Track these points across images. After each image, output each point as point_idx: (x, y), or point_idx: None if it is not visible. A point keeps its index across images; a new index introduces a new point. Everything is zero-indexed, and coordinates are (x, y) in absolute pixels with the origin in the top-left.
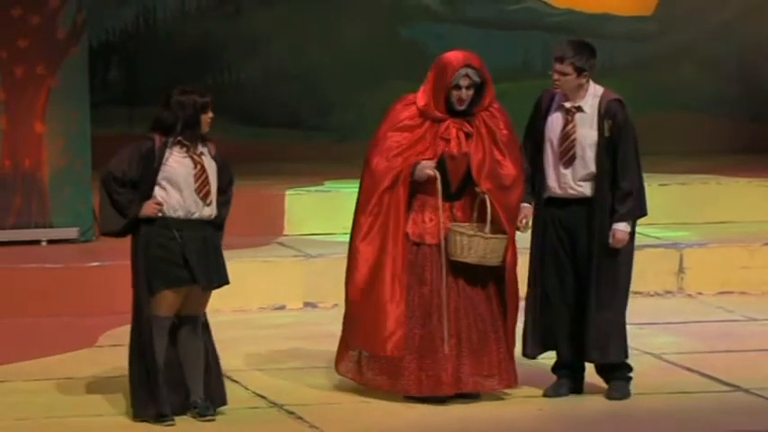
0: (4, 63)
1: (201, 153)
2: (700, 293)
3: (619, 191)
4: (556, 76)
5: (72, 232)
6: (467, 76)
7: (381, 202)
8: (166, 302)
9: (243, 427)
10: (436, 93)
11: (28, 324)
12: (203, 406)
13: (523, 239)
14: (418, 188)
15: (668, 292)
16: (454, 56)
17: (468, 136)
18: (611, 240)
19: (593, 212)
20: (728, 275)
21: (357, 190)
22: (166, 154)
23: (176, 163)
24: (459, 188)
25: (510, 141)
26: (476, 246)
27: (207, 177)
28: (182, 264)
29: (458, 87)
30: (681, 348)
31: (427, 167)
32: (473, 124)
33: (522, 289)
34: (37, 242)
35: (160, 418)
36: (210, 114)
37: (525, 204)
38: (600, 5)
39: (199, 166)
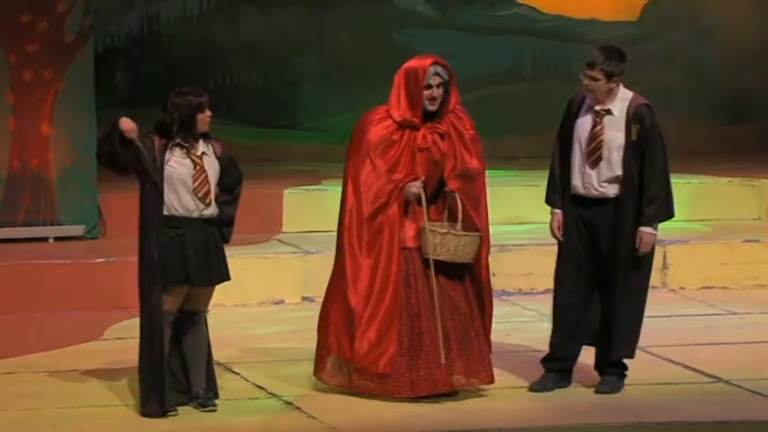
0: (13, 67)
1: (203, 153)
2: (683, 288)
3: (645, 194)
4: (586, 81)
5: (78, 230)
6: (437, 74)
7: (375, 218)
8: (168, 298)
9: (242, 417)
10: (411, 98)
11: (36, 318)
12: (205, 397)
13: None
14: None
15: (653, 287)
16: (422, 58)
17: (442, 137)
18: (638, 243)
19: (618, 214)
20: (710, 271)
21: (340, 197)
22: (167, 155)
23: (176, 164)
24: (435, 191)
25: (474, 139)
26: (447, 243)
27: (206, 177)
28: (180, 263)
29: (429, 87)
30: (665, 341)
31: (413, 186)
32: (444, 125)
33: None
34: (44, 239)
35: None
36: (208, 113)
37: (557, 211)
38: (587, 11)
39: (198, 167)
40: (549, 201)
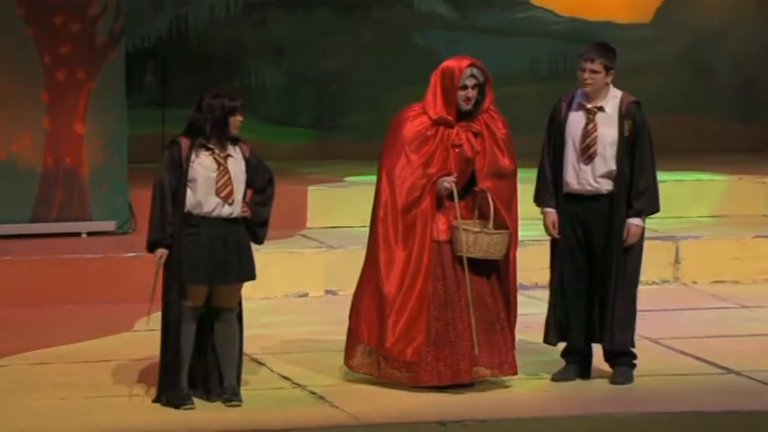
0: (47, 68)
1: (228, 155)
2: (695, 282)
3: (635, 188)
4: (586, 75)
5: (110, 225)
6: (472, 75)
7: (409, 211)
8: (189, 294)
9: (268, 407)
10: (446, 97)
11: (69, 310)
12: (231, 392)
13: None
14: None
15: (665, 282)
16: (458, 59)
17: (476, 135)
18: (625, 234)
19: (611, 208)
20: (721, 266)
21: (375, 190)
22: (192, 156)
23: (199, 165)
24: (465, 187)
25: (507, 138)
26: (480, 242)
27: (229, 178)
28: (193, 261)
29: (464, 87)
30: (677, 333)
31: (446, 182)
32: (478, 124)
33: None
34: (77, 234)
35: (180, 402)
36: (240, 118)
37: (550, 210)
38: (601, 13)
39: (222, 168)
40: (539, 200)
